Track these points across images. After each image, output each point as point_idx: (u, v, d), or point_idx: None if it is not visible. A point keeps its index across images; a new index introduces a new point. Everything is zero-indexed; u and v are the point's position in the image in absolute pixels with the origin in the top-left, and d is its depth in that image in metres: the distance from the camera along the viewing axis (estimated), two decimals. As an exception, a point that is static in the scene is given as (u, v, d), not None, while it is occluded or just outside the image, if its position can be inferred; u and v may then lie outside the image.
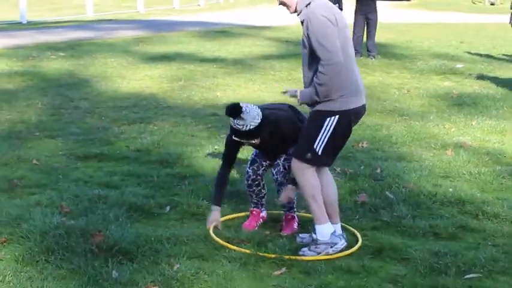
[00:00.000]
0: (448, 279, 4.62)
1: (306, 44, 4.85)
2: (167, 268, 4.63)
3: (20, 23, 22.47)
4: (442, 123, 9.24)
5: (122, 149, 7.71)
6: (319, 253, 5.00)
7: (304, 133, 5.03)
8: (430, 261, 4.87)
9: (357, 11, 15.46)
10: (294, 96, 4.98)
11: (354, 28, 15.15)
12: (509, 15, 15.65)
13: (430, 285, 4.56)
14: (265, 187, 5.55)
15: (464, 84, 12.41)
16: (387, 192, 6.35)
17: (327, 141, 4.92)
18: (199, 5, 32.27)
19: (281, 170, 5.32)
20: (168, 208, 5.84)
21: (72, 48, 15.64)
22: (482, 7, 35.53)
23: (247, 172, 5.45)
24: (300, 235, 5.32)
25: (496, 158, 7.60)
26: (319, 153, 4.93)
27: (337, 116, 4.86)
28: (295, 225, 5.49)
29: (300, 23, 4.93)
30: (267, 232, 5.38)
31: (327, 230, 5.05)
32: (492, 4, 35.23)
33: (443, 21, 25.96)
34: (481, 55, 16.51)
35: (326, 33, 4.69)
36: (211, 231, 5.25)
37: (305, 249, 5.06)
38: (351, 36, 14.18)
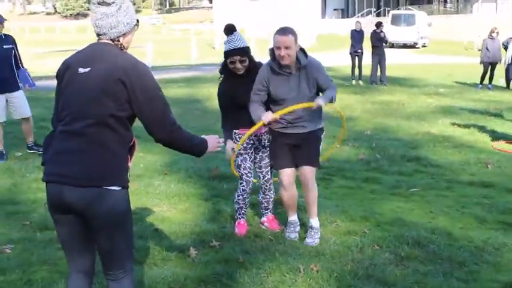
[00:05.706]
0: (402, 190, 6.19)
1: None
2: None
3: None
4: (419, 122, 10.46)
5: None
6: (317, 238, 4.57)
7: (313, 146, 4.53)
8: (394, 184, 6.42)
9: (373, 55, 16.14)
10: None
11: (372, 66, 16.15)
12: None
13: (392, 192, 6.12)
14: None
15: (441, 100, 13.33)
16: (377, 155, 7.77)
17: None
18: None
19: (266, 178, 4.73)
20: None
21: (187, 81, 16.98)
22: (472, 52, 35.94)
23: (243, 188, 4.68)
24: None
25: (446, 140, 8.87)
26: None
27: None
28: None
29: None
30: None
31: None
32: (479, 50, 35.54)
33: (442, 62, 26.19)
34: (458, 83, 17.34)
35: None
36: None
37: (309, 240, 4.54)
38: (370, 72, 15.12)
